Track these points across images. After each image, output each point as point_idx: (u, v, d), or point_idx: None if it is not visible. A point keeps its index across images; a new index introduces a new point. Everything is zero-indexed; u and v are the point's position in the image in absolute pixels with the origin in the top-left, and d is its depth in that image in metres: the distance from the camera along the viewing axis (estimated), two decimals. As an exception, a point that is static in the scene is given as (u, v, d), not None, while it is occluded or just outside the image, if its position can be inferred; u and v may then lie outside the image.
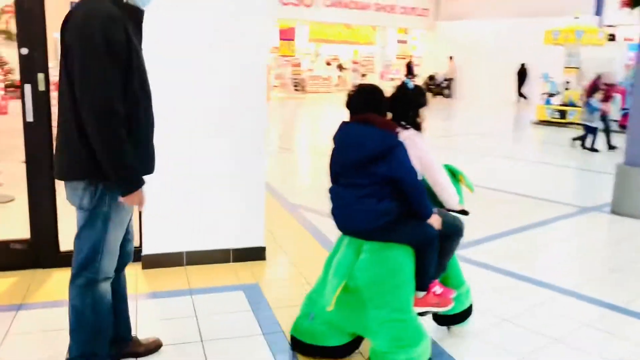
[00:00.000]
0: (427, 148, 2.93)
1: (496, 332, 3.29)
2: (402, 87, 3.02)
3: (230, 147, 4.06)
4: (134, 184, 2.29)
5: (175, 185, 3.95)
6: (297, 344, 2.95)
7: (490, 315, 3.47)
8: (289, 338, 3.04)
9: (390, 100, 2.93)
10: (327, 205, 2.92)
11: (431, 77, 24.58)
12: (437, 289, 2.95)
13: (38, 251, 3.86)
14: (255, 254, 4.23)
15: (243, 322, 3.27)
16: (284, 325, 3.21)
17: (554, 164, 9.34)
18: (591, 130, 10.37)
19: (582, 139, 10.52)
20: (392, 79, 27.58)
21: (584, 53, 14.65)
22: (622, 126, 11.37)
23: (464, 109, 20.07)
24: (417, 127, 3.00)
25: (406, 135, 2.87)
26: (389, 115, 2.93)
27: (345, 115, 2.86)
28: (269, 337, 3.10)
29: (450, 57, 23.76)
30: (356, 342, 2.94)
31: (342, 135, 2.80)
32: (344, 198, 2.79)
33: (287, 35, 23.18)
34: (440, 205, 3.04)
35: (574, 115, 13.86)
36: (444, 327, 3.25)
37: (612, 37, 20.94)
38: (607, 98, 10.42)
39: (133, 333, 2.86)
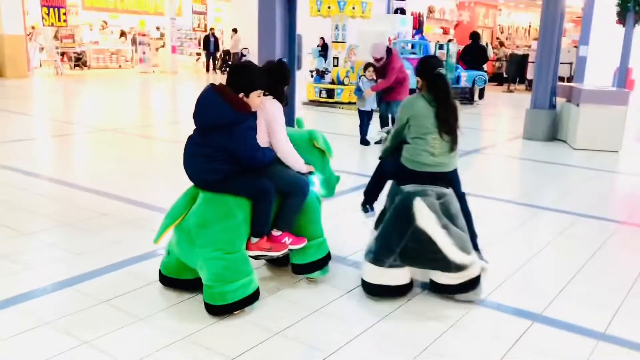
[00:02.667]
0: (277, 117, 3.34)
1: None
2: (281, 64, 3.56)
3: None
4: None
5: None
6: (161, 277, 3.41)
7: None
8: None
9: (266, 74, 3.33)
10: None
11: (227, 52, 22.75)
12: (287, 239, 3.38)
13: None
14: None
15: None
16: None
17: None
18: (364, 116, 8.32)
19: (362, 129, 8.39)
20: (189, 54, 25.45)
21: (355, 26, 13.66)
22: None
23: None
24: (280, 99, 3.44)
25: (262, 101, 3.26)
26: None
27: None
28: None
29: (234, 30, 22.03)
30: None
31: (198, 99, 3.16)
32: (187, 151, 3.23)
33: (53, 1, 19.84)
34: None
35: (341, 94, 12.84)
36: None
37: (401, 11, 20.68)
38: (380, 75, 8.03)
39: None
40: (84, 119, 11.05)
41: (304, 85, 13.38)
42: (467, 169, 7.27)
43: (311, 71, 13.49)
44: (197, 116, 3.16)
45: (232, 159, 3.12)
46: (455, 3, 24.82)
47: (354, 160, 7.75)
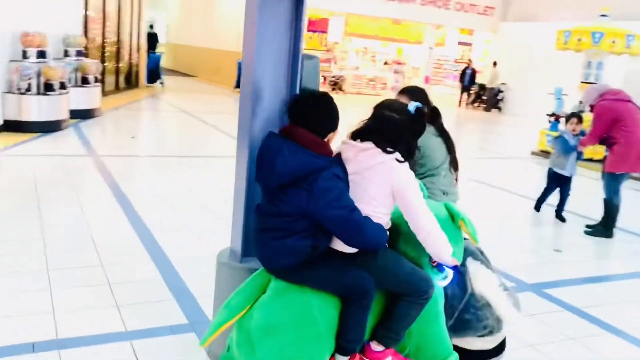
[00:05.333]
0: (410, 180, 2.28)
1: None
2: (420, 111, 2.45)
3: None
4: None
5: None
6: None
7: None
8: None
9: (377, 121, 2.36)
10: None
11: (483, 87, 20.90)
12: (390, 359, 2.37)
13: None
14: None
15: None
16: None
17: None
18: (556, 182, 6.14)
19: (542, 200, 6.38)
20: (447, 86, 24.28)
21: (618, 64, 10.87)
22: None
23: (499, 126, 16.52)
24: (406, 156, 2.33)
25: (384, 160, 2.25)
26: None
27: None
28: None
29: (494, 63, 20.04)
30: None
31: (262, 151, 2.25)
32: (258, 224, 2.32)
33: (317, 26, 20.79)
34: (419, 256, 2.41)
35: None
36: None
37: None
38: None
39: None
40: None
41: (537, 132, 11.12)
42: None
43: (548, 115, 11.10)
44: (262, 174, 2.25)
45: (316, 231, 2.18)
46: None
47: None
